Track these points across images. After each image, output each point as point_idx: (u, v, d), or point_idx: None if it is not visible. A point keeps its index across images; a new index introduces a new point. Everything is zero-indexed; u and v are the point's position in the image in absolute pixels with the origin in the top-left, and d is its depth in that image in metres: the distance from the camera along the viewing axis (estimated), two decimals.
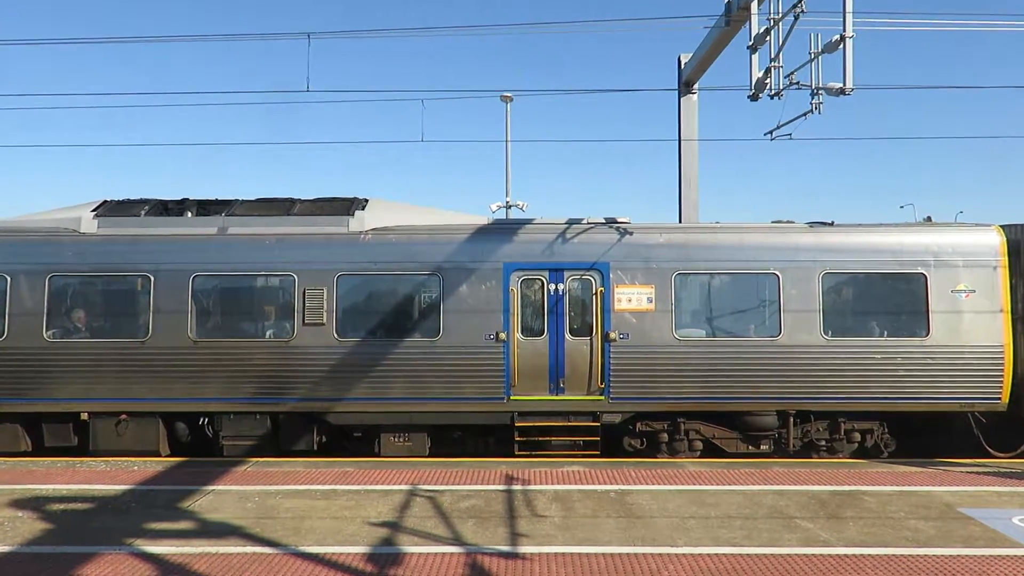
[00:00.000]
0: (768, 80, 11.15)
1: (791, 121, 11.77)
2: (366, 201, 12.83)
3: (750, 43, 11.51)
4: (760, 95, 11.46)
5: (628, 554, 7.39)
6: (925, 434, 12.61)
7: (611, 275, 12.08)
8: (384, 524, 8.37)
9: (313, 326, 12.01)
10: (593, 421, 12.09)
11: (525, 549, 7.53)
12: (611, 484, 10.16)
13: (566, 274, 12.20)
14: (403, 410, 12.10)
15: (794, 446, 12.25)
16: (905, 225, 12.66)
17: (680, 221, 15.65)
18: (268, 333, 12.26)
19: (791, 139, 12.07)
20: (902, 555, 7.38)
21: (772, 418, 12.12)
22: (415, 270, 12.18)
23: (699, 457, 12.23)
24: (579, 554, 7.39)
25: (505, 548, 7.56)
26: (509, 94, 25.55)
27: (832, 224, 12.48)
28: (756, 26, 11.47)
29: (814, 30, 10.77)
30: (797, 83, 10.99)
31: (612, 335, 11.96)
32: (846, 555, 7.38)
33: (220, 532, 8.08)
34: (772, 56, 11.11)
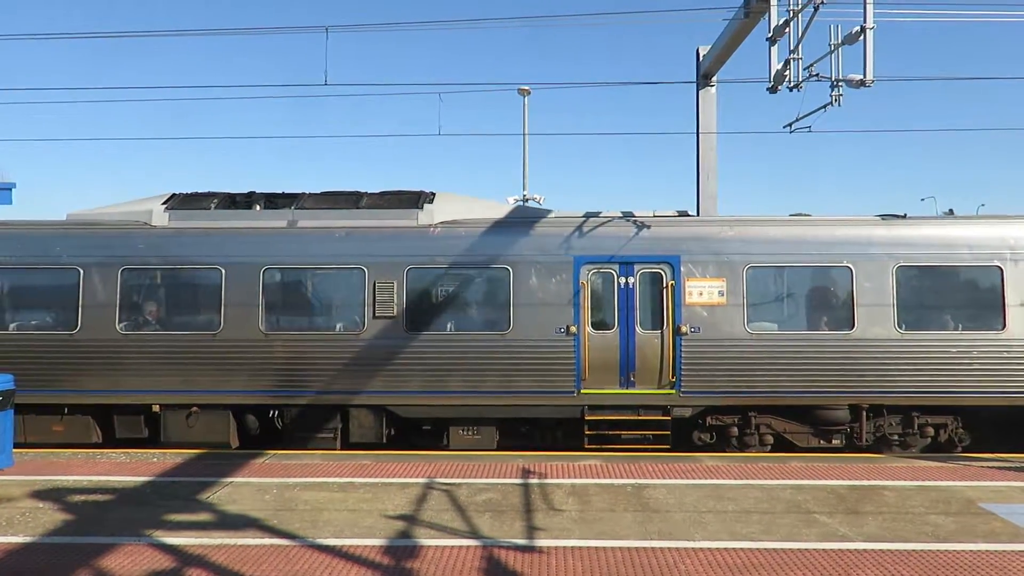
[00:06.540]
0: (787, 72, 11.03)
1: (810, 114, 11.66)
2: (433, 194, 12.83)
3: (769, 35, 11.39)
4: (779, 87, 11.34)
5: (645, 548, 7.37)
6: (1002, 429, 12.36)
7: (682, 268, 12.02)
8: (401, 517, 8.39)
9: (383, 319, 12.03)
10: (663, 415, 12.00)
11: (541, 542, 7.52)
12: (628, 478, 10.13)
13: (636, 267, 12.14)
14: (472, 403, 12.06)
15: (867, 440, 12.12)
16: (980, 217, 12.48)
17: (698, 213, 15.56)
18: (338, 326, 12.26)
19: (810, 132, 11.98)
20: (922, 550, 7.32)
21: (844, 412, 11.99)
22: (484, 263, 12.16)
23: (770, 451, 12.12)
24: (596, 547, 7.37)
25: (521, 541, 7.56)
26: (527, 87, 25.50)
27: (905, 216, 12.36)
28: (775, 18, 11.36)
29: (834, 21, 10.67)
30: (817, 75, 10.88)
31: (683, 329, 11.87)
32: (865, 550, 7.32)
33: (238, 524, 8.13)
34: (791, 48, 11.00)
